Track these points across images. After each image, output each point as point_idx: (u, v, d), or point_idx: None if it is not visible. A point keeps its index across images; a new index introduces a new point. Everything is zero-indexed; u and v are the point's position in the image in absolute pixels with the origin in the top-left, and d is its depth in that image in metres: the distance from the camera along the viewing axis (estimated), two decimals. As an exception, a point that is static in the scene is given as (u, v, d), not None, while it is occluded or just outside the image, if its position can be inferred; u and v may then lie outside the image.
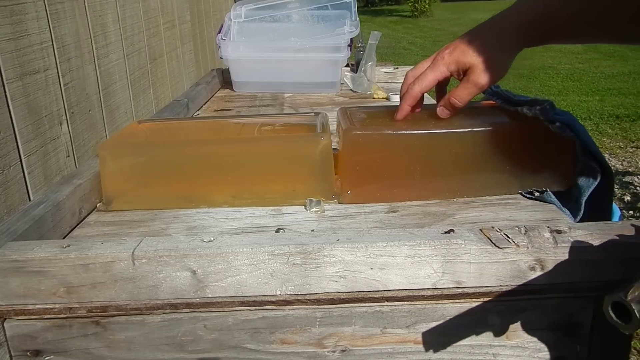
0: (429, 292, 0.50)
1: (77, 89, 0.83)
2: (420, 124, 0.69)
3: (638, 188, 2.63)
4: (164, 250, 0.49)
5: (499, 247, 0.49)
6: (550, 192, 0.68)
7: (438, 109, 0.69)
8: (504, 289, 0.50)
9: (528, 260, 0.49)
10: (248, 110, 1.24)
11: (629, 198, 2.51)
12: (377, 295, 0.50)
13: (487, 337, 0.52)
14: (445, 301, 0.51)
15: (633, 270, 0.38)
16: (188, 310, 0.51)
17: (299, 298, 0.50)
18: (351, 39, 1.37)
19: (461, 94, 0.65)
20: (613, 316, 0.32)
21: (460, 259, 0.49)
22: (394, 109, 0.72)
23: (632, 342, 1.52)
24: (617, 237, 0.49)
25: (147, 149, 0.72)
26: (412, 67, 0.72)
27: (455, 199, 0.69)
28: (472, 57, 0.63)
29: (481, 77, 0.63)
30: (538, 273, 0.49)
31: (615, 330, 0.33)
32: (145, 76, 1.15)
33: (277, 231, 0.62)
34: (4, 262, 0.48)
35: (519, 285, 0.50)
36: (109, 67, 0.96)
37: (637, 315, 0.30)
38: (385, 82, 1.50)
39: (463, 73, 0.65)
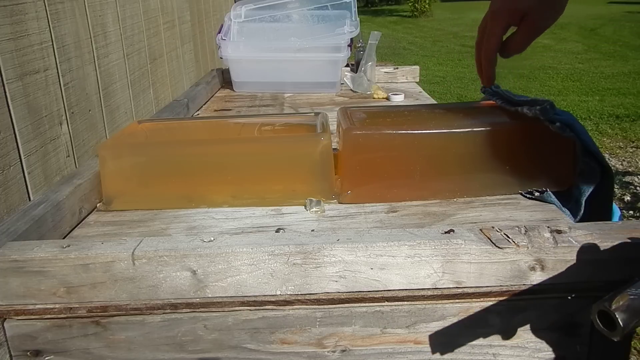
0: (429, 292, 0.50)
1: (77, 89, 0.83)
2: (420, 124, 0.69)
3: (638, 188, 2.63)
4: (164, 250, 0.49)
5: (499, 247, 0.49)
6: (550, 192, 0.68)
7: (505, 53, 0.67)
8: (504, 289, 0.50)
9: (528, 260, 0.49)
10: (248, 110, 1.24)
11: (629, 198, 2.51)
12: (377, 295, 0.50)
13: (487, 337, 0.52)
14: (445, 301, 0.51)
15: (633, 271, 0.38)
16: (188, 310, 0.51)
17: (299, 298, 0.50)
18: (351, 39, 1.37)
19: (519, 42, 0.64)
20: (600, 324, 0.33)
21: (460, 259, 0.49)
22: (394, 109, 0.72)
23: (632, 342, 1.52)
24: (617, 237, 0.49)
25: (147, 149, 0.72)
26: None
27: (455, 199, 0.69)
28: (526, 3, 0.61)
29: (539, 20, 0.61)
30: (538, 273, 0.49)
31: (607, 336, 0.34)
32: (145, 76, 1.15)
33: (277, 231, 0.62)
34: (4, 262, 0.48)
35: (519, 285, 0.50)
36: (109, 67, 0.96)
37: (621, 323, 0.31)
38: (385, 82, 1.50)
39: (520, 20, 0.63)
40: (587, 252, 0.49)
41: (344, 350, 0.52)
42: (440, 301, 0.51)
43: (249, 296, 0.50)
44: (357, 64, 1.45)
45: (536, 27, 0.63)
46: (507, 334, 0.52)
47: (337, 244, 0.49)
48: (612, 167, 2.84)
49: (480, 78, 0.70)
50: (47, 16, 0.75)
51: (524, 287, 0.50)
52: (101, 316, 0.51)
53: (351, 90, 1.40)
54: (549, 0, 0.61)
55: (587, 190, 0.65)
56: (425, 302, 0.51)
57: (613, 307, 0.32)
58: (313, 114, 0.82)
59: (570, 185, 0.69)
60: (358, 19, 1.42)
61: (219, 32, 1.38)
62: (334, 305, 0.51)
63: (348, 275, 0.49)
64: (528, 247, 0.49)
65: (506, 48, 0.67)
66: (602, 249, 0.48)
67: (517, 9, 0.62)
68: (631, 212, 2.38)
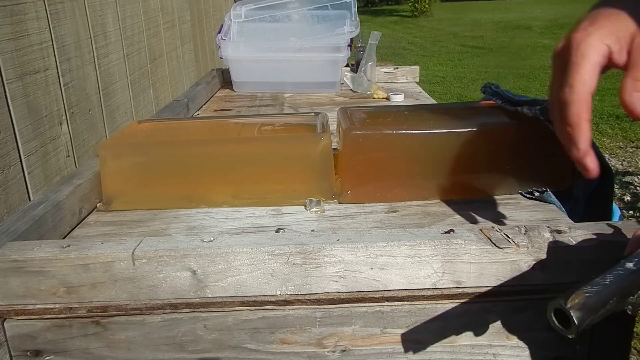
0: (429, 292, 0.50)
1: (77, 89, 0.83)
2: (420, 124, 0.69)
3: (638, 188, 2.63)
4: (164, 250, 0.49)
5: (499, 247, 0.49)
6: (550, 192, 0.68)
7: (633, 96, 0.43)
8: (504, 289, 0.50)
9: (528, 260, 0.49)
10: (248, 110, 1.24)
11: (629, 198, 2.51)
12: (377, 295, 0.50)
13: (487, 337, 0.52)
14: (445, 301, 0.51)
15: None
16: (188, 310, 0.51)
17: (299, 298, 0.50)
18: (351, 39, 1.37)
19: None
20: (555, 322, 0.33)
21: (460, 259, 0.49)
22: (394, 109, 0.72)
23: (632, 342, 1.52)
24: (617, 237, 0.49)
25: (147, 149, 0.72)
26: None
27: (455, 199, 0.69)
28: (629, 25, 0.43)
29: None
30: (538, 273, 0.49)
31: (614, 332, 0.34)
32: (145, 76, 1.15)
33: (277, 231, 0.62)
34: (4, 262, 0.48)
35: (519, 285, 0.49)
36: (109, 67, 0.96)
37: (576, 322, 0.32)
38: (385, 82, 1.50)
39: (627, 45, 0.43)
40: (587, 252, 0.49)
41: (344, 350, 0.52)
42: (440, 301, 0.51)
43: (249, 296, 0.50)
44: (357, 64, 1.45)
45: None
46: (507, 334, 0.52)
47: (337, 244, 0.49)
48: (612, 167, 2.85)
49: (573, 146, 0.46)
50: (47, 16, 0.75)
51: (524, 287, 0.49)
52: (101, 316, 0.51)
53: (351, 90, 1.40)
54: None
55: (587, 190, 0.65)
56: (425, 302, 0.51)
57: (568, 305, 0.32)
58: (313, 114, 0.82)
59: (570, 185, 0.69)
60: (358, 19, 1.42)
61: (219, 32, 1.38)
62: (334, 305, 0.51)
63: (348, 275, 0.49)
64: (528, 247, 0.49)
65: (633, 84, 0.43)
66: (602, 249, 0.48)
67: (623, 29, 0.43)
68: (631, 212, 2.38)
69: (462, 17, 10.79)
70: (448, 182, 0.70)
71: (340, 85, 1.41)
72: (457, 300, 0.51)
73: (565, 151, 0.46)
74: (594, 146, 0.66)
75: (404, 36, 8.64)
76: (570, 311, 0.32)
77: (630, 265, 0.35)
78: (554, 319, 0.33)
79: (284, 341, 0.52)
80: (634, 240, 0.42)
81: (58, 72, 0.78)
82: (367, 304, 0.51)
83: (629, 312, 0.35)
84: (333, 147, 0.69)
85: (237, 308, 0.51)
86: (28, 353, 0.52)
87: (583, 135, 0.45)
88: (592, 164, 0.45)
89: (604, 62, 0.44)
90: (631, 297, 0.35)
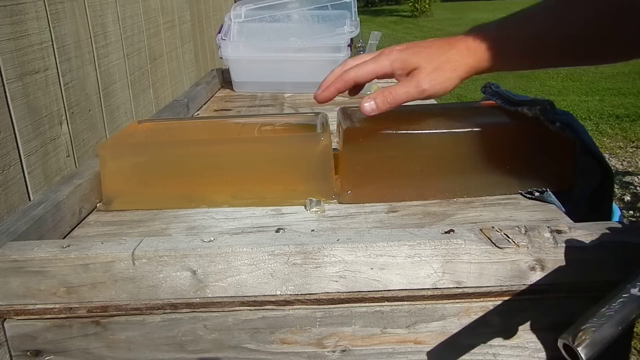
0: (429, 292, 0.50)
1: (77, 89, 0.83)
2: (420, 124, 0.69)
3: (638, 188, 2.63)
4: (164, 250, 0.49)
5: (499, 247, 0.49)
6: (550, 192, 0.68)
7: (364, 99, 0.61)
8: (504, 289, 0.50)
9: (528, 260, 0.49)
10: (248, 110, 1.24)
11: (629, 198, 2.51)
12: (377, 295, 0.50)
13: (487, 337, 0.52)
14: (445, 301, 0.51)
15: (633, 270, 0.38)
16: (188, 310, 0.51)
17: (299, 298, 0.50)
18: (351, 39, 1.37)
19: (399, 92, 0.59)
20: (565, 355, 0.35)
21: (460, 259, 0.49)
22: (394, 109, 0.72)
23: (632, 342, 1.52)
24: (617, 237, 0.49)
25: (147, 149, 0.72)
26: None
27: (455, 199, 0.69)
28: (423, 60, 0.58)
29: (425, 81, 0.58)
30: (538, 273, 0.49)
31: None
32: (145, 76, 1.15)
33: (277, 231, 0.62)
34: (4, 262, 0.48)
35: (519, 285, 0.50)
36: (109, 67, 0.96)
37: (584, 358, 0.33)
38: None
39: (406, 74, 0.60)
40: (587, 252, 0.49)
41: (344, 350, 0.52)
42: (440, 301, 0.51)
43: (249, 296, 0.50)
44: (357, 64, 1.44)
45: (418, 85, 0.58)
46: (507, 334, 0.52)
47: (337, 244, 0.49)
48: (612, 167, 2.85)
49: (320, 89, 0.63)
50: (47, 16, 0.75)
51: (524, 287, 0.50)
52: (101, 316, 0.51)
53: (351, 90, 1.40)
54: (440, 73, 0.58)
55: (587, 190, 0.65)
56: (425, 302, 0.51)
57: (576, 343, 0.33)
58: (313, 114, 0.82)
59: (570, 185, 0.69)
60: (358, 19, 1.42)
61: (219, 32, 1.38)
62: (334, 305, 0.51)
63: (348, 275, 0.49)
64: (528, 247, 0.49)
65: (381, 92, 0.61)
66: (602, 249, 0.48)
67: (412, 61, 0.59)
68: (631, 212, 2.38)
69: (462, 17, 10.79)
70: (448, 182, 0.70)
71: (340, 85, 1.41)
72: (457, 300, 0.51)
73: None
74: (593, 146, 0.66)
75: (404, 36, 8.64)
76: (578, 349, 0.33)
77: (635, 290, 0.35)
78: (564, 351, 0.35)
79: (284, 341, 0.52)
80: None
81: (58, 72, 0.78)
82: (367, 304, 0.51)
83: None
84: (333, 147, 0.69)
85: (237, 308, 0.51)
86: (28, 353, 0.52)
87: (329, 89, 0.63)
88: (321, 96, 0.63)
89: (380, 73, 0.61)
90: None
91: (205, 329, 0.51)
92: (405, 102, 0.60)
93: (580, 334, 0.33)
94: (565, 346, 0.34)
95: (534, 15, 0.59)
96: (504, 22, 0.60)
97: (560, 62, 0.62)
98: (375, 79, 0.63)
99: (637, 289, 0.35)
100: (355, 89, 0.65)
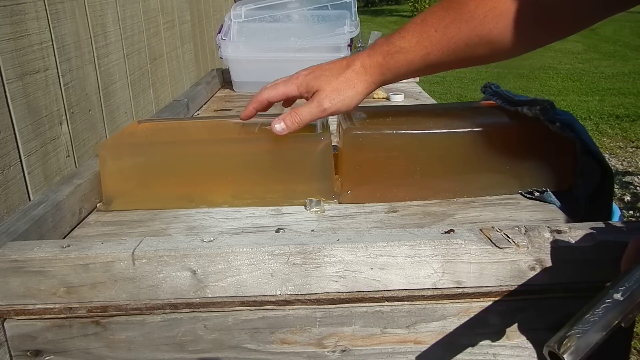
0: (429, 292, 0.50)
1: (77, 89, 0.83)
2: (420, 124, 0.69)
3: (638, 188, 2.63)
4: (164, 250, 0.49)
5: (499, 247, 0.49)
6: (550, 192, 0.68)
7: (275, 121, 0.68)
8: (504, 289, 0.50)
9: (528, 260, 0.49)
10: (248, 110, 1.24)
11: (629, 198, 2.51)
12: (377, 295, 0.50)
13: (487, 337, 0.52)
14: (445, 301, 0.51)
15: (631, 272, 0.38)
16: (188, 310, 0.51)
17: (299, 298, 0.50)
18: (351, 39, 1.37)
19: (304, 112, 0.66)
20: None
21: (460, 259, 0.49)
22: (394, 109, 0.72)
23: (632, 342, 1.52)
24: (617, 237, 0.49)
25: (147, 149, 0.72)
26: None
27: (455, 199, 0.69)
28: (323, 82, 0.65)
29: (326, 101, 0.64)
30: (538, 273, 0.49)
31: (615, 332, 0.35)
32: (145, 76, 1.15)
33: (277, 231, 0.62)
34: (4, 262, 0.48)
35: (519, 285, 0.50)
36: (109, 67, 0.96)
37: None
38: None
39: (311, 96, 0.66)
40: (587, 252, 0.49)
41: (344, 350, 0.52)
42: (440, 301, 0.51)
43: (249, 296, 0.50)
44: (357, 64, 1.44)
45: (319, 105, 0.64)
46: (507, 334, 0.52)
47: (337, 244, 0.49)
48: (612, 167, 2.85)
49: (244, 109, 0.72)
50: (47, 16, 0.75)
51: (524, 287, 0.50)
52: (101, 316, 0.51)
53: (351, 90, 1.40)
54: (339, 92, 0.64)
55: (587, 190, 0.65)
56: (425, 302, 0.51)
57: (561, 350, 0.34)
58: (313, 114, 0.82)
59: (570, 185, 0.69)
60: (358, 19, 1.42)
61: (219, 32, 1.38)
62: (334, 305, 0.51)
63: (348, 275, 0.49)
64: (528, 247, 0.49)
65: (289, 112, 0.67)
66: (602, 249, 0.48)
67: (312, 85, 0.65)
68: (631, 212, 2.38)
69: (462, 17, 10.75)
70: (448, 182, 0.70)
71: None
72: (457, 300, 0.51)
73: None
74: (593, 146, 0.66)
75: (404, 36, 8.62)
76: (564, 356, 0.33)
77: (617, 296, 0.35)
78: (549, 359, 0.35)
79: (284, 341, 0.52)
80: (631, 253, 0.42)
81: (58, 72, 0.78)
82: (367, 304, 0.51)
83: (623, 325, 0.35)
84: (333, 147, 0.69)
85: (237, 308, 0.51)
86: (28, 353, 0.52)
87: (247, 109, 0.72)
88: (243, 115, 0.72)
89: (289, 95, 0.68)
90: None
91: (205, 329, 0.51)
92: (310, 121, 0.66)
93: (565, 341, 0.34)
94: (550, 354, 0.34)
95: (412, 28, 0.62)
96: (392, 37, 0.63)
97: (454, 66, 0.64)
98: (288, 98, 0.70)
99: (620, 294, 0.35)
100: (288, 102, 0.72)
